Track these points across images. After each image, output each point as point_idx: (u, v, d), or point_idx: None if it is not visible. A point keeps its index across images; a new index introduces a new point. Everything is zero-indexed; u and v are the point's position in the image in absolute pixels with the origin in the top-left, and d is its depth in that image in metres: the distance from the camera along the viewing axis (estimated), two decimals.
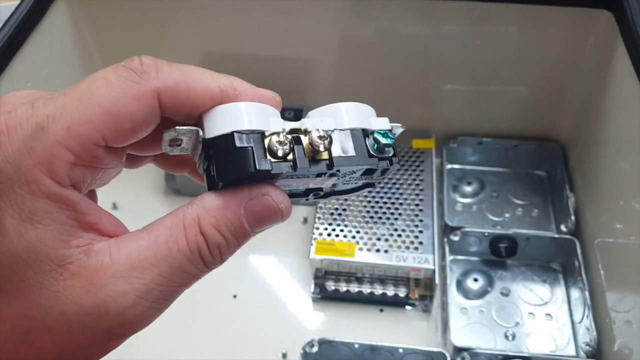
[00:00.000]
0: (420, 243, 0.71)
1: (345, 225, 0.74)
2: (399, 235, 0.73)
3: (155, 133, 0.23)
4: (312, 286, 0.73)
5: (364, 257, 0.71)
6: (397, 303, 0.72)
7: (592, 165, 0.76)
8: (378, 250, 0.71)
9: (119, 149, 0.23)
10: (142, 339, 0.70)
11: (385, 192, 0.77)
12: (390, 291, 0.72)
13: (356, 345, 0.64)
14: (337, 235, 0.73)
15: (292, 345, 0.67)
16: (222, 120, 0.22)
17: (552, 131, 0.85)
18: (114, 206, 0.81)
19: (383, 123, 0.25)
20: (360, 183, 0.27)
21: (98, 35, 0.80)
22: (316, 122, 0.24)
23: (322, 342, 0.64)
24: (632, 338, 0.60)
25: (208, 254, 0.22)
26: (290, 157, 0.22)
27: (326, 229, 0.74)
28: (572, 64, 0.77)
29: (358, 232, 0.73)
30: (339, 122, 0.24)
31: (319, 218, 0.75)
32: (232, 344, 0.70)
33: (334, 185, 0.26)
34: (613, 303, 0.65)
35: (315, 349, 0.64)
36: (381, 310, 0.72)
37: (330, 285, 0.72)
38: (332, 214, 0.76)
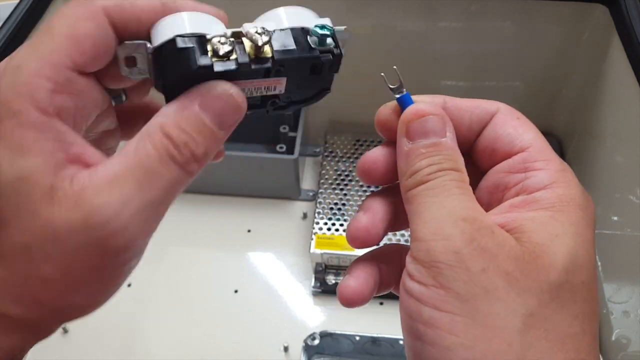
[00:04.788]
0: None
1: (345, 220, 0.75)
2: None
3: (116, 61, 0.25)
4: (313, 280, 0.74)
5: (364, 251, 0.71)
6: (397, 296, 0.72)
7: (588, 158, 0.77)
8: (378, 244, 0.72)
9: (93, 80, 0.24)
10: (144, 333, 0.71)
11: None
12: None
13: (357, 338, 0.65)
14: (337, 230, 0.74)
15: (293, 339, 0.68)
16: (165, 29, 0.24)
17: (549, 125, 0.86)
18: None
19: (323, 20, 0.27)
20: (314, 90, 0.28)
21: None
22: (257, 24, 0.25)
23: (324, 335, 0.65)
24: (630, 328, 0.61)
25: (177, 153, 0.23)
26: (232, 57, 0.24)
27: (326, 223, 0.75)
28: (567, 59, 0.77)
29: None
30: (279, 24, 0.25)
31: (319, 213, 0.76)
32: (234, 339, 0.70)
33: (289, 93, 0.27)
34: (610, 294, 0.66)
35: (316, 341, 0.64)
36: (381, 304, 0.72)
37: (331, 279, 0.73)
38: (331, 208, 0.76)
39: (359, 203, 0.76)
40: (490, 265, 0.22)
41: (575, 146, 0.81)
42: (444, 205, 0.23)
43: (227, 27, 0.25)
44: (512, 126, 0.26)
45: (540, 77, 0.81)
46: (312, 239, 0.73)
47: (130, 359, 0.69)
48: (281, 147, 0.83)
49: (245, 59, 0.24)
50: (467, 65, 0.81)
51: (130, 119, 0.29)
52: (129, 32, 0.24)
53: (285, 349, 0.68)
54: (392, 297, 0.77)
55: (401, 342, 0.65)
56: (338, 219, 0.75)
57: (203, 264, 0.78)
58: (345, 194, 0.78)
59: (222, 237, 0.80)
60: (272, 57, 0.24)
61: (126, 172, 0.22)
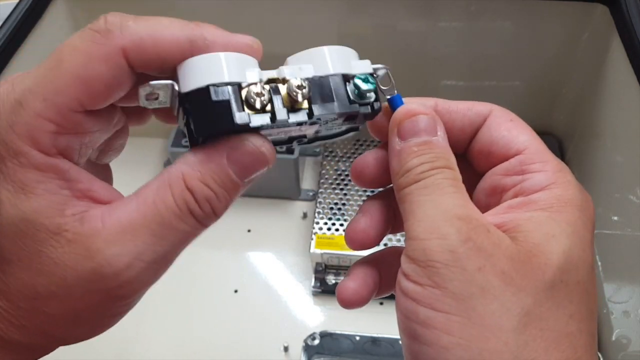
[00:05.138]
0: None
1: (345, 220, 0.75)
2: None
3: (136, 87, 0.23)
4: (313, 280, 0.73)
5: (364, 251, 0.71)
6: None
7: (588, 158, 0.77)
8: (377, 246, 0.72)
9: (103, 111, 0.23)
10: (144, 332, 0.71)
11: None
12: None
13: (357, 338, 0.65)
14: (337, 230, 0.74)
15: (293, 339, 0.68)
16: (196, 74, 0.22)
17: (549, 125, 0.86)
18: None
19: (364, 66, 0.25)
20: (344, 128, 0.27)
21: None
22: (294, 69, 0.23)
23: (324, 335, 0.65)
24: (630, 328, 0.61)
25: (198, 209, 0.22)
26: (268, 108, 0.22)
27: (326, 223, 0.75)
28: (567, 58, 0.77)
29: None
30: (318, 68, 0.24)
31: (319, 213, 0.76)
32: (234, 339, 0.70)
33: (317, 132, 0.26)
34: (610, 294, 0.66)
35: (316, 341, 0.64)
36: (381, 304, 0.72)
37: (331, 279, 0.73)
38: (331, 208, 0.76)
39: (359, 203, 0.76)
40: (486, 265, 0.22)
41: (576, 146, 0.81)
42: (438, 204, 0.23)
43: (261, 58, 0.24)
44: (506, 128, 0.26)
45: (540, 77, 0.81)
46: (312, 239, 0.73)
47: (129, 359, 0.69)
48: (281, 147, 0.83)
49: (283, 115, 0.22)
50: (467, 65, 0.81)
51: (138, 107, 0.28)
52: (150, 70, 0.23)
53: (285, 349, 0.68)
54: (393, 297, 0.77)
55: (401, 342, 0.65)
56: (338, 219, 0.75)
57: (203, 263, 0.77)
58: (345, 194, 0.78)
59: (222, 237, 0.79)
60: (310, 111, 0.23)
61: (142, 223, 0.22)
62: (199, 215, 0.22)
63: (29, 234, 0.21)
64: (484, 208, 0.25)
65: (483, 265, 0.22)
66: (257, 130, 0.23)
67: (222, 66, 0.22)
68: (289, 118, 0.23)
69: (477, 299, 0.21)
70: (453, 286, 0.22)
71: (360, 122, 0.26)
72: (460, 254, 0.22)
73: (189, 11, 0.77)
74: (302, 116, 0.23)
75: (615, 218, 0.67)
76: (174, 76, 0.23)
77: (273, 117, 0.22)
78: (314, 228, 0.74)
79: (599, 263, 0.69)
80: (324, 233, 0.73)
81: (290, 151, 0.80)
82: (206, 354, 0.69)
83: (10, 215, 0.21)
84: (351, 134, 0.28)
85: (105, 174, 0.27)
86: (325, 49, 0.24)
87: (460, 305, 0.21)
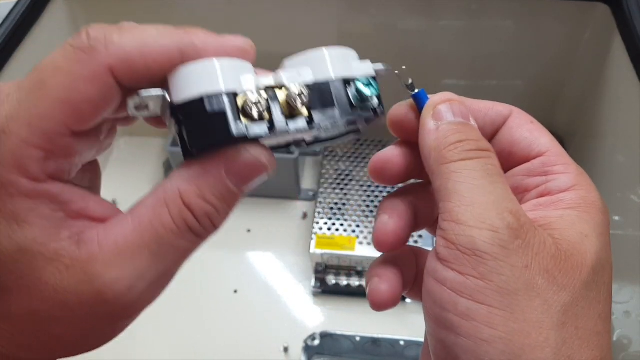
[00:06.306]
0: (420, 236, 0.72)
1: (345, 220, 0.74)
2: None
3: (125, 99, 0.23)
4: (313, 280, 0.73)
5: (364, 250, 0.71)
6: None
7: (589, 158, 0.76)
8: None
9: (92, 129, 0.22)
10: (144, 334, 0.71)
11: (385, 186, 0.78)
12: None
13: (357, 338, 0.64)
14: (337, 230, 0.73)
15: (293, 339, 0.68)
16: (188, 83, 0.21)
17: (550, 124, 0.85)
18: (114, 202, 0.82)
19: (366, 68, 0.24)
20: (344, 130, 0.26)
21: None
22: (293, 74, 0.22)
23: (324, 336, 0.65)
24: (631, 328, 0.61)
25: (197, 225, 0.22)
26: (266, 116, 0.21)
27: (326, 223, 0.74)
28: (569, 58, 0.77)
29: (358, 226, 0.74)
30: (317, 72, 0.23)
31: (319, 213, 0.76)
32: (234, 339, 0.70)
33: (316, 135, 0.25)
34: (612, 294, 0.66)
35: (317, 342, 0.64)
36: None
37: (331, 279, 0.73)
38: (331, 208, 0.76)
39: (359, 203, 0.76)
40: (533, 263, 0.22)
41: (577, 145, 0.81)
42: (489, 192, 0.23)
43: (255, 63, 0.22)
44: (527, 130, 0.26)
45: (541, 76, 0.81)
46: (312, 239, 0.73)
47: (129, 359, 0.69)
48: (280, 149, 0.83)
49: (282, 124, 0.21)
50: (468, 64, 0.81)
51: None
52: (140, 84, 0.21)
53: (286, 349, 0.68)
54: None
55: (402, 342, 0.64)
56: (338, 219, 0.75)
57: (203, 264, 0.77)
58: (345, 194, 0.78)
59: (221, 237, 0.79)
60: (310, 118, 0.22)
61: (140, 244, 0.21)
62: (199, 230, 0.22)
63: (25, 263, 0.21)
64: None
65: (530, 263, 0.22)
66: (254, 139, 0.22)
67: (216, 74, 0.21)
68: (288, 127, 0.22)
69: (522, 295, 0.21)
70: (500, 280, 0.21)
71: (361, 125, 0.25)
72: (511, 250, 0.22)
73: (187, 11, 0.77)
74: (301, 124, 0.22)
75: (617, 218, 0.67)
76: (164, 84, 0.22)
77: (271, 126, 0.21)
78: (314, 228, 0.74)
79: None
80: (324, 233, 0.73)
81: (290, 151, 0.79)
82: (206, 354, 0.69)
83: (5, 246, 0.20)
84: (352, 137, 0.27)
85: (93, 170, 0.27)
86: (325, 50, 0.23)
87: (504, 300, 0.21)
